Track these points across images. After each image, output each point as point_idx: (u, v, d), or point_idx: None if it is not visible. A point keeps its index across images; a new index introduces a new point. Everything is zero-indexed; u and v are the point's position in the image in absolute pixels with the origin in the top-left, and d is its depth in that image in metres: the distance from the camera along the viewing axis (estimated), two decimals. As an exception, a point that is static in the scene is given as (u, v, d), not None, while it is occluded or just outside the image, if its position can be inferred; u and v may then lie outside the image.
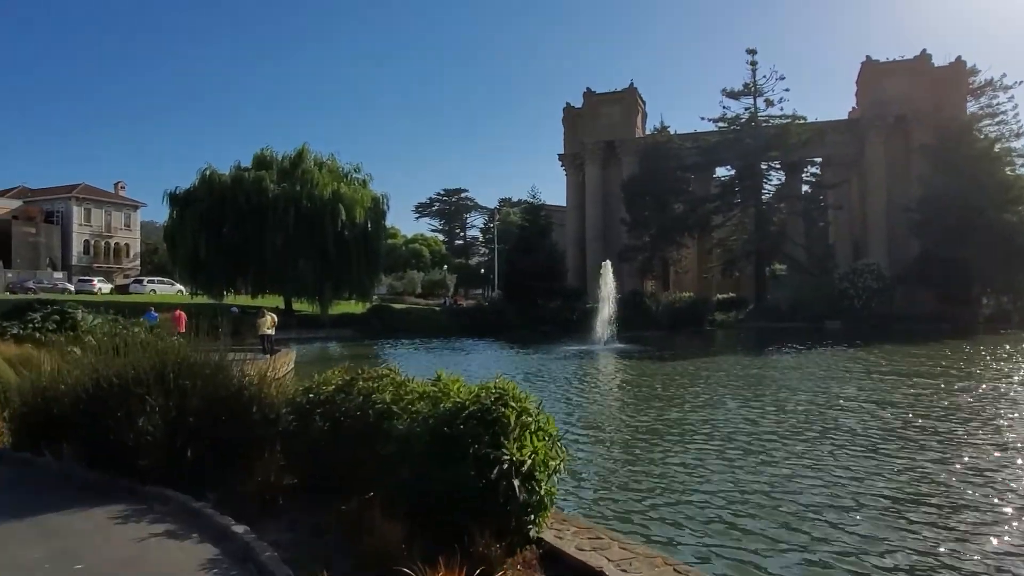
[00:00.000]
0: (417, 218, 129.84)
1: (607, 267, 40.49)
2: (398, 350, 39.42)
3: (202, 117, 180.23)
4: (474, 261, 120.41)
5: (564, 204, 77.21)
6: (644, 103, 72.48)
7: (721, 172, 68.37)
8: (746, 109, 60.86)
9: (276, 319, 23.77)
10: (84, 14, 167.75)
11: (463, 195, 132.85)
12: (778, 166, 65.62)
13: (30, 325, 12.82)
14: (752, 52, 60.40)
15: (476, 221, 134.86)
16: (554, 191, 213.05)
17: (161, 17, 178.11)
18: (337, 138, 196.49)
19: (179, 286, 65.03)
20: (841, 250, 66.32)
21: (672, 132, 65.35)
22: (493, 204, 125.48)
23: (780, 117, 60.18)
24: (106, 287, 64.87)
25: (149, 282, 64.98)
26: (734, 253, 63.82)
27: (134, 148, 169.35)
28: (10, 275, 63.09)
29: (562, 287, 58.06)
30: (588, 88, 70.49)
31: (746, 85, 60.37)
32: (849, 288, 54.36)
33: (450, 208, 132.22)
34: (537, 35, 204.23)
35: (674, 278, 67.50)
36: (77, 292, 58.73)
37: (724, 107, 61.37)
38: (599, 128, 68.77)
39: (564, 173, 75.36)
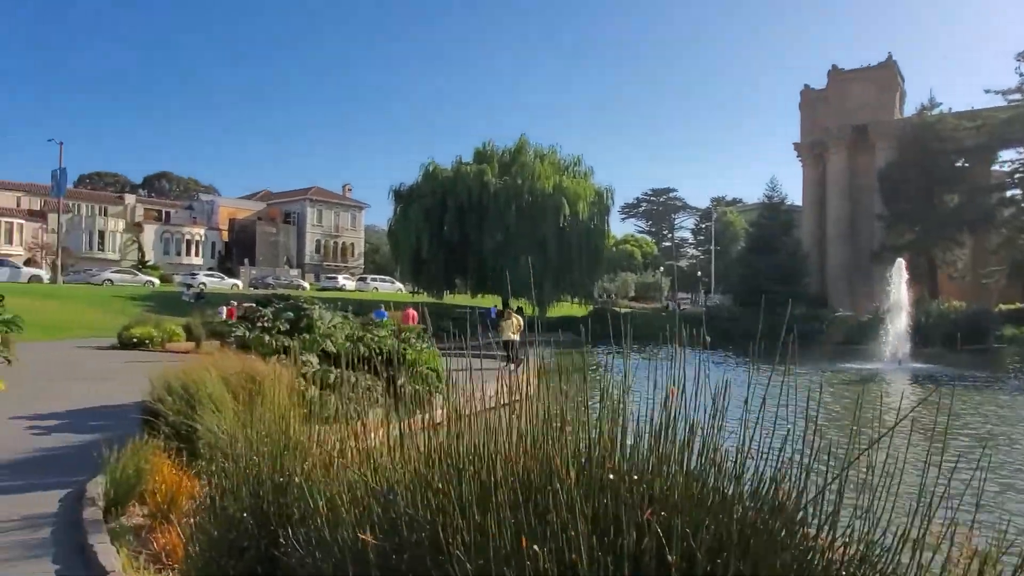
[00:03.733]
0: (623, 219, 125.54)
1: (900, 266, 33.19)
2: (631, 359, 35.29)
3: (418, 119, 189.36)
4: (683, 263, 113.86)
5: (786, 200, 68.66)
6: (903, 79, 62.15)
7: (1009, 156, 56.37)
8: (1049, 76, 49.26)
9: (522, 322, 20.68)
10: (321, 25, 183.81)
11: (671, 195, 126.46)
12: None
13: (259, 325, 10.12)
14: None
15: (684, 222, 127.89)
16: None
17: (385, 22, 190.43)
18: (541, 138, 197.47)
19: (398, 284, 66.36)
20: None
21: (943, 111, 55.05)
22: (704, 204, 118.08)
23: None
24: (351, 284, 66.41)
25: (372, 280, 67.00)
26: (1028, 254, 52.04)
27: (361, 150, 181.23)
28: (254, 272, 68.09)
29: (805, 292, 50.73)
30: (833, 65, 61.86)
31: (1052, 46, 48.78)
32: None
33: (657, 208, 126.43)
34: (749, 17, 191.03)
35: (941, 284, 56.77)
36: (320, 290, 60.99)
37: (1021, 74, 50.10)
38: (847, 111, 59.87)
39: (795, 167, 67.03)
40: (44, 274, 49.35)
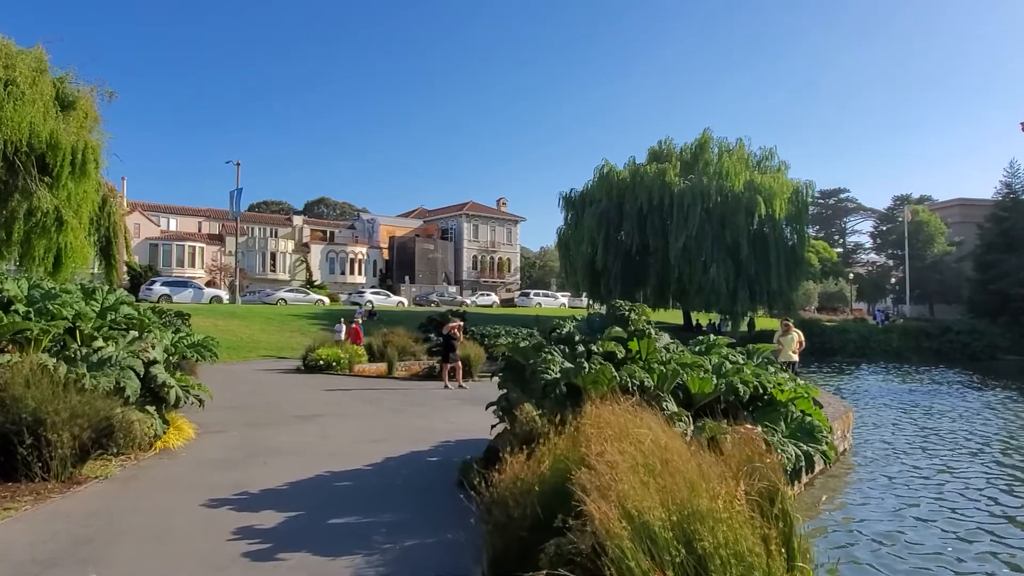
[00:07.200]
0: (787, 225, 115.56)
1: None
2: (874, 382, 29.63)
3: (575, 128, 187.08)
4: (861, 270, 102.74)
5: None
6: None
7: None
8: None
9: (804, 339, 16.30)
10: (464, 48, 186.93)
11: (843, 196, 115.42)
12: None
13: (579, 349, 6.58)
14: None
15: (858, 225, 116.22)
16: (953, 189, 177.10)
17: (532, 38, 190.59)
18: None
19: (561, 299, 63.00)
20: None
21: None
22: (879, 205, 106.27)
23: None
24: (555, 302, 63.06)
25: (535, 295, 64.12)
26: None
27: (516, 162, 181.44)
28: (414, 289, 67.34)
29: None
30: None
31: None
32: None
33: (826, 212, 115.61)
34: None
35: None
36: (480, 307, 58.57)
37: None
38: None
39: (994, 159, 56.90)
40: (224, 294, 50.38)
